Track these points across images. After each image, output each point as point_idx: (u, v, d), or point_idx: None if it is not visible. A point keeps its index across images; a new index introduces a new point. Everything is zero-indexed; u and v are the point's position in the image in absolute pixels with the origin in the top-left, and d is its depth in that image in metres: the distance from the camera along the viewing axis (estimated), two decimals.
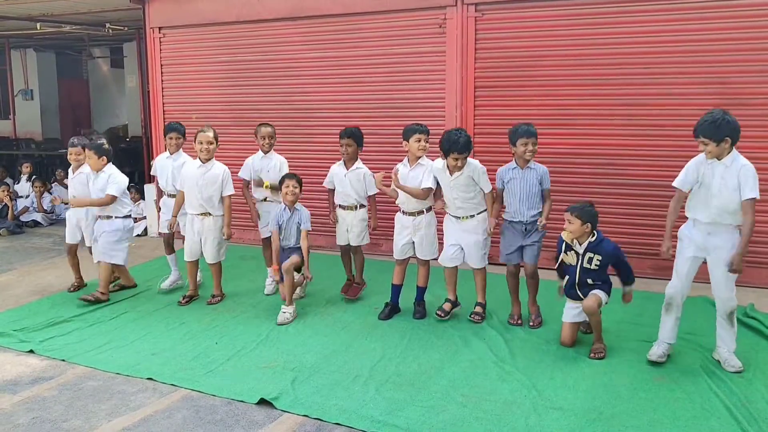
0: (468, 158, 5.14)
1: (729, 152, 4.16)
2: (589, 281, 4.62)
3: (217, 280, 5.98)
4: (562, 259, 4.73)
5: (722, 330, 4.38)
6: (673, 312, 4.46)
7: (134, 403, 4.03)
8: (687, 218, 4.45)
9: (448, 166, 5.13)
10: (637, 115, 6.25)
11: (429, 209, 5.40)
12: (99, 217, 6.01)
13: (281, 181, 5.66)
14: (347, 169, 5.76)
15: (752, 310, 5.30)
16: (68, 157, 6.24)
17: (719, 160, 4.18)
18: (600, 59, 6.31)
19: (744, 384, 4.10)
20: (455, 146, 5.00)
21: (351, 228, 5.81)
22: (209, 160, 5.77)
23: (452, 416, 3.79)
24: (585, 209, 4.57)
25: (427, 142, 5.28)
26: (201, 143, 5.70)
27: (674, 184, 4.42)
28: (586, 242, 4.59)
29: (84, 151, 6.07)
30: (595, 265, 4.57)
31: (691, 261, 4.38)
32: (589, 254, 4.57)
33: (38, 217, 9.61)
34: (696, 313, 5.21)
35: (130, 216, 6.15)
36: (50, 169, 12.35)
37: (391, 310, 5.51)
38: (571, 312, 4.75)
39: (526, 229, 5.12)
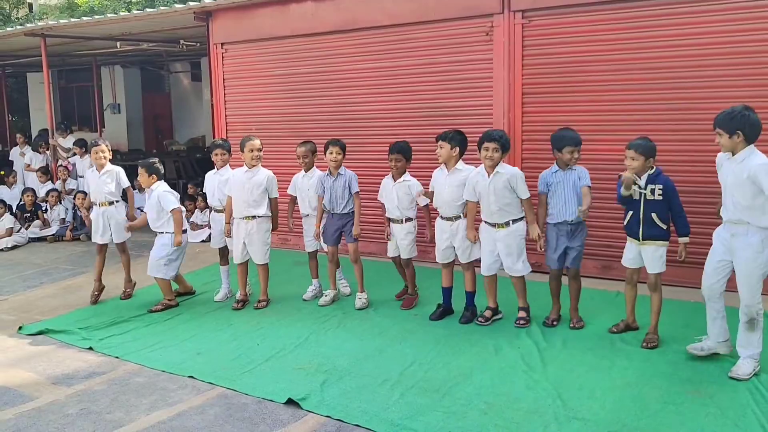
0: (506, 164, 5.28)
1: (743, 148, 4.10)
2: (654, 216, 4.73)
3: (264, 283, 6.21)
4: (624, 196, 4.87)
5: (740, 333, 4.29)
6: (709, 309, 4.45)
7: (173, 399, 4.29)
8: None
9: (485, 166, 5.22)
10: (688, 119, 6.05)
11: (466, 215, 5.46)
12: (162, 233, 6.24)
13: (325, 148, 5.91)
14: (395, 182, 5.88)
15: None
16: (92, 156, 6.53)
17: (733, 155, 4.16)
18: (648, 63, 6.15)
19: None
20: (487, 136, 5.18)
21: (399, 241, 5.93)
22: (255, 166, 6.04)
23: (472, 423, 3.82)
24: (648, 145, 4.76)
25: (441, 147, 5.40)
26: (252, 150, 5.98)
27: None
28: (646, 175, 4.74)
29: (108, 150, 6.52)
30: (658, 195, 4.71)
31: (716, 261, 4.35)
32: (650, 186, 4.74)
33: None
34: None
35: (185, 231, 6.37)
36: (131, 177, 13.15)
37: (443, 311, 5.65)
38: (633, 258, 4.92)
39: (571, 230, 5.18)
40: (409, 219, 5.89)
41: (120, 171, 6.62)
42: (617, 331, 5.05)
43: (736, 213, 4.16)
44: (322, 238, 6.14)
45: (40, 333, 5.64)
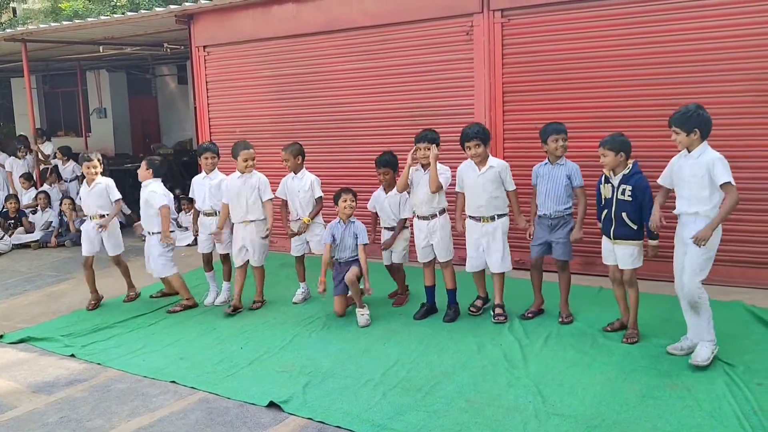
0: (493, 157, 5.43)
1: (698, 145, 4.30)
2: (624, 215, 4.73)
3: (260, 285, 6.24)
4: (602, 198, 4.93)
5: (688, 320, 4.44)
6: (682, 304, 4.50)
7: (154, 404, 4.28)
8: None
9: (474, 162, 5.32)
10: (669, 115, 6.06)
11: (442, 212, 5.51)
12: (150, 233, 6.25)
13: (337, 197, 5.73)
14: (386, 194, 5.91)
15: None
16: (83, 170, 6.52)
17: (689, 152, 4.33)
18: (629, 60, 6.19)
19: (761, 392, 3.95)
20: (465, 136, 5.29)
21: (393, 247, 5.95)
22: (249, 173, 6.04)
23: (452, 421, 3.83)
24: (616, 140, 4.76)
25: (428, 149, 5.38)
26: (246, 160, 6.00)
27: (658, 181, 4.60)
28: (621, 174, 4.74)
29: (100, 164, 6.50)
30: (628, 195, 4.69)
31: (678, 254, 4.47)
32: (622, 186, 4.73)
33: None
34: (728, 319, 5.03)
35: (173, 231, 6.43)
36: (122, 184, 13.07)
37: (427, 310, 5.68)
38: (609, 255, 4.92)
39: (551, 224, 5.25)
40: (403, 227, 5.92)
41: (110, 183, 6.56)
42: (612, 330, 5.00)
43: (692, 205, 4.31)
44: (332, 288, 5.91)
45: (21, 341, 5.61)
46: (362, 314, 5.57)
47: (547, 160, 5.31)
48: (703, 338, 4.32)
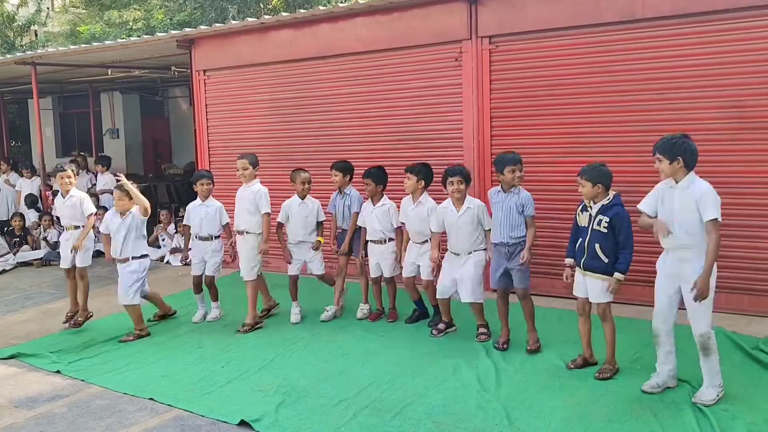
0: (471, 197, 5.57)
1: (685, 175, 4.19)
2: (597, 247, 4.59)
3: (251, 302, 6.21)
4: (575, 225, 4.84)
5: (701, 362, 4.25)
6: (660, 344, 4.39)
7: (129, 420, 4.37)
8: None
9: (452, 202, 5.46)
10: (654, 141, 6.11)
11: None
12: (115, 260, 6.14)
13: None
14: (374, 206, 6.08)
15: (766, 343, 5.05)
16: (58, 181, 6.58)
17: (676, 183, 4.22)
18: (614, 86, 6.27)
19: (727, 419, 3.96)
20: (450, 171, 5.43)
21: (381, 261, 6.11)
22: (248, 182, 6.21)
23: None
24: (594, 169, 4.65)
25: (409, 180, 5.71)
26: (238, 170, 6.23)
27: (638, 206, 4.45)
28: (600, 204, 4.63)
29: (74, 175, 6.62)
30: (604, 227, 4.57)
31: (666, 292, 4.33)
32: (600, 216, 4.62)
33: (101, 247, 10.33)
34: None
35: (147, 256, 6.27)
36: None
37: (419, 315, 6.02)
38: (579, 286, 4.79)
39: (509, 251, 5.24)
40: (390, 239, 6.09)
41: (84, 198, 6.62)
42: (575, 367, 4.84)
43: (687, 238, 4.17)
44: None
45: (12, 357, 5.73)
46: (362, 308, 6.29)
47: (500, 188, 5.29)
48: (713, 383, 4.20)
